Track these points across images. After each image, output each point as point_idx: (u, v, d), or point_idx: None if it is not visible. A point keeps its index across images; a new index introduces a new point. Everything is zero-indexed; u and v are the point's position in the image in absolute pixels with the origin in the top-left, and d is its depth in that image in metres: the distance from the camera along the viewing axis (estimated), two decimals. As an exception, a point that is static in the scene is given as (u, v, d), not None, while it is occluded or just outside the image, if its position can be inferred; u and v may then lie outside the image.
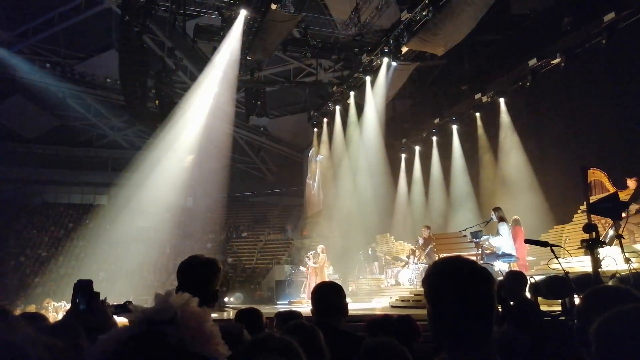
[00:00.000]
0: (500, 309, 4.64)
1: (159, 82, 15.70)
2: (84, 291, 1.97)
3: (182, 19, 14.51)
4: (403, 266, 12.77)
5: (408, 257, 12.82)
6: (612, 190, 7.40)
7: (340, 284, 2.79)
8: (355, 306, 10.93)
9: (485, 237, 8.66)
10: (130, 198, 26.16)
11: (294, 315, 3.14)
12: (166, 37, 19.64)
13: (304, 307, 10.69)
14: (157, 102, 15.79)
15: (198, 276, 2.24)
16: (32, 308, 11.51)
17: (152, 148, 25.71)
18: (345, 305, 2.56)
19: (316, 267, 12.65)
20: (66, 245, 23.05)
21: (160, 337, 0.85)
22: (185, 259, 2.37)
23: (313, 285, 12.29)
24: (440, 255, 9.46)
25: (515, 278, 4.33)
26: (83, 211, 26.25)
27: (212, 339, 0.89)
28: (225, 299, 14.64)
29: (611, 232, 6.65)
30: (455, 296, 1.20)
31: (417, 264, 11.80)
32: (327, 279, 12.09)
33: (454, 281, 1.22)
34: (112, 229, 24.93)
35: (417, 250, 12.23)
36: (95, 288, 2.02)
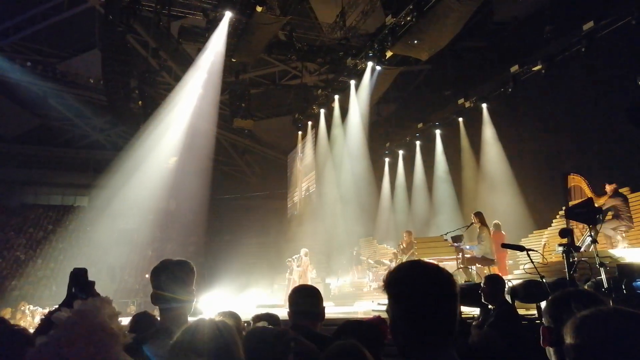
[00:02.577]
0: (479, 312, 4.70)
1: (143, 83, 15.58)
2: (79, 279, 1.96)
3: (167, 20, 14.42)
4: (385, 270, 12.80)
5: (391, 260, 12.86)
6: (590, 195, 7.52)
7: (322, 287, 2.79)
8: (337, 310, 10.93)
9: (469, 247, 8.73)
10: (112, 200, 25.83)
11: (269, 318, 3.12)
12: (150, 37, 19.50)
13: (284, 310, 10.64)
14: (140, 102, 15.64)
15: (173, 277, 2.23)
16: (7, 312, 11.27)
17: (134, 149, 25.44)
18: (321, 310, 2.55)
19: (300, 271, 12.61)
20: (45, 247, 22.65)
21: None
22: (160, 263, 2.36)
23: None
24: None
25: (494, 282, 4.38)
26: (63, 213, 25.84)
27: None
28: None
29: (589, 238, 6.76)
30: (417, 299, 1.20)
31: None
32: (309, 283, 12.08)
33: (418, 282, 1.23)
34: (93, 231, 24.59)
35: (398, 254, 12.27)
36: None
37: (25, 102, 24.21)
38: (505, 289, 4.55)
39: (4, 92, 23.51)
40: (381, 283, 1.33)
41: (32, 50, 22.92)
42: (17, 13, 21.02)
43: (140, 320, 3.66)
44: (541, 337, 1.41)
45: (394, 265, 12.25)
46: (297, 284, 12.39)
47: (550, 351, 1.36)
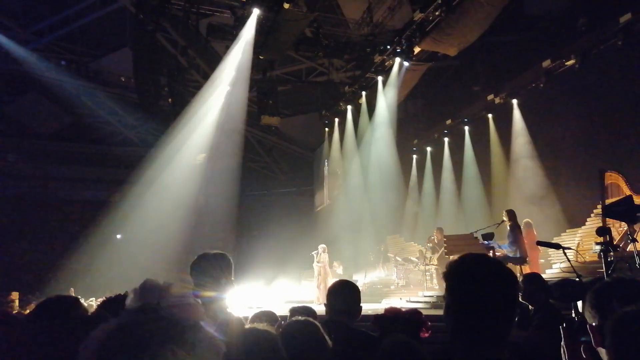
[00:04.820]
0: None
1: (172, 81, 15.82)
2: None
3: (195, 18, 14.60)
4: (414, 267, 12.74)
5: (418, 258, 12.78)
6: (629, 193, 7.28)
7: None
8: (365, 306, 10.92)
9: (502, 246, 8.59)
10: (143, 195, 26.36)
11: (306, 311, 3.14)
12: (179, 35, 19.77)
13: (315, 305, 10.70)
14: (170, 100, 15.90)
15: (212, 269, 2.27)
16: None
17: (164, 146, 25.91)
18: (359, 307, 2.57)
19: (319, 267, 12.60)
20: (79, 241, 23.31)
21: (153, 311, 1.03)
22: (198, 256, 2.42)
23: (317, 284, 12.33)
24: (451, 258, 9.41)
25: (532, 281, 4.25)
26: (96, 208, 26.52)
27: (193, 310, 1.06)
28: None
29: (628, 237, 6.56)
30: (480, 293, 1.19)
31: (427, 265, 11.75)
32: (329, 279, 12.11)
33: (480, 278, 1.22)
34: (125, 226, 25.19)
35: (426, 252, 12.18)
36: (109, 285, 2.08)
37: (59, 100, 24.92)
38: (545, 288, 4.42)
39: (39, 90, 24.26)
40: (444, 270, 1.31)
41: (65, 49, 23.56)
42: (52, 14, 21.64)
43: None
44: (591, 337, 1.35)
45: (421, 263, 12.17)
46: (318, 280, 12.43)
47: (602, 352, 1.30)
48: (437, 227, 12.54)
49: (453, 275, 1.26)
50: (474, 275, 1.22)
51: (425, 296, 10.21)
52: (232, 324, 2.03)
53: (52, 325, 1.64)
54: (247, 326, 1.97)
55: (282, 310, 3.99)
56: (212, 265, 2.27)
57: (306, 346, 1.81)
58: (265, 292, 14.59)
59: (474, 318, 1.19)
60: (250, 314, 3.16)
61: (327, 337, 1.87)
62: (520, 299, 3.97)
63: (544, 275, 7.56)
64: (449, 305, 1.25)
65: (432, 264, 11.62)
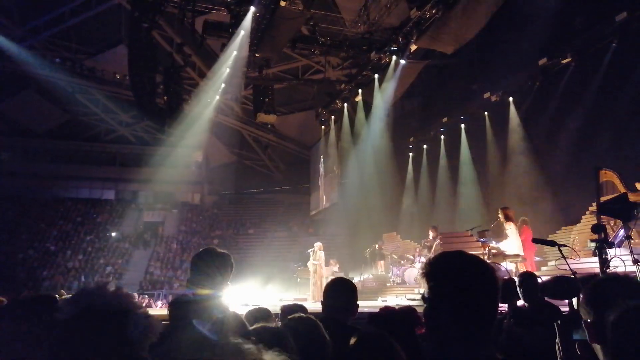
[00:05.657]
0: (507, 308, 4.61)
1: (168, 78, 15.73)
2: None
3: (191, 16, 14.53)
4: (410, 265, 12.75)
5: (414, 255, 12.79)
6: (624, 191, 7.29)
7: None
8: (361, 304, 10.92)
9: (496, 243, 8.62)
10: (138, 193, 26.26)
11: (298, 309, 3.13)
12: (175, 33, 19.72)
13: (308, 303, 10.70)
14: (165, 98, 15.82)
15: (213, 267, 2.26)
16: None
17: (160, 143, 25.84)
18: (355, 305, 2.56)
19: (316, 265, 12.58)
20: (74, 239, 23.24)
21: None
22: (200, 251, 2.41)
23: (314, 282, 12.32)
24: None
25: (526, 280, 4.25)
26: (91, 205, 26.46)
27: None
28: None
29: (621, 233, 6.58)
30: (460, 290, 1.18)
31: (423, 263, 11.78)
32: (324, 277, 12.10)
33: (458, 274, 1.21)
34: (120, 224, 25.13)
35: (423, 250, 12.20)
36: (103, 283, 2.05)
37: (54, 98, 24.83)
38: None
39: (34, 88, 24.14)
40: (421, 270, 1.30)
41: (61, 47, 23.46)
42: (47, 11, 21.52)
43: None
44: (586, 333, 1.34)
45: (417, 260, 12.19)
46: (313, 278, 12.42)
47: (597, 348, 1.29)
48: (432, 225, 12.56)
49: (434, 272, 1.26)
50: (458, 269, 1.22)
51: (421, 293, 10.22)
52: (229, 323, 2.00)
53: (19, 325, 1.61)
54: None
55: (276, 308, 3.97)
56: (207, 264, 2.26)
57: (309, 342, 1.81)
58: (260, 289, 14.56)
59: (455, 315, 1.18)
60: (245, 311, 3.15)
61: (326, 334, 1.86)
62: (520, 297, 3.98)
63: (539, 273, 7.60)
64: (430, 304, 1.24)
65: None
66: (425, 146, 17.85)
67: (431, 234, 11.91)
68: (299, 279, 15.34)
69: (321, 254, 12.67)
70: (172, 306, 2.10)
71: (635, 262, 4.20)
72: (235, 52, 14.42)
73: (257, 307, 3.21)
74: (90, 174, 28.10)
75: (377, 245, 14.84)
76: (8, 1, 20.43)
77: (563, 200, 11.93)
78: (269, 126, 25.41)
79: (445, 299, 1.20)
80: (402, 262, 13.23)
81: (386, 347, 1.58)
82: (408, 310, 2.35)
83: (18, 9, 21.09)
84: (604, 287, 1.42)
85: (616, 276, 1.62)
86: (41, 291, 16.65)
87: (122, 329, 1.15)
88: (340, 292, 2.52)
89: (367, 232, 16.13)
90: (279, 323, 2.54)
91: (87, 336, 1.12)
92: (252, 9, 13.07)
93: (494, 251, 8.59)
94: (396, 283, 12.90)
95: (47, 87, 23.51)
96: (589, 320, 1.36)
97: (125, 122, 28.52)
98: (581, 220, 10.00)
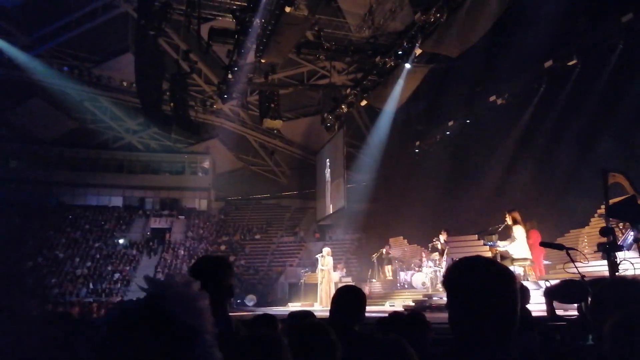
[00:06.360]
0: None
1: (174, 85, 15.83)
2: None
3: (197, 22, 14.62)
4: (417, 270, 12.71)
5: (421, 260, 12.75)
6: (633, 193, 7.23)
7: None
8: (368, 309, 10.89)
9: (502, 245, 8.57)
10: (145, 200, 26.32)
11: (307, 315, 3.13)
12: (181, 40, 19.85)
13: (315, 309, 10.69)
14: (172, 104, 15.91)
15: (211, 274, 2.26)
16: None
17: (166, 150, 25.99)
18: (363, 314, 2.57)
19: (324, 270, 12.55)
20: (82, 246, 23.36)
21: (155, 307, 0.94)
22: (196, 261, 2.42)
23: (322, 287, 12.30)
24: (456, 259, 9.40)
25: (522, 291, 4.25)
26: (99, 213, 26.59)
27: (202, 314, 0.96)
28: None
29: (631, 235, 6.53)
30: (480, 295, 1.18)
31: (431, 267, 11.73)
32: (333, 282, 12.08)
33: (478, 280, 1.21)
34: (127, 231, 25.25)
35: (431, 254, 12.16)
36: (111, 289, 2.05)
37: (62, 105, 25.06)
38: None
39: (42, 96, 24.38)
40: (442, 279, 1.31)
41: (68, 55, 23.68)
42: (54, 20, 21.75)
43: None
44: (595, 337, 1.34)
45: (424, 265, 12.14)
46: (321, 283, 12.40)
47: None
48: (443, 229, 12.51)
49: (453, 279, 1.26)
50: (471, 278, 1.22)
51: (428, 297, 10.17)
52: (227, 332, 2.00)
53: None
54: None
55: (283, 314, 3.98)
56: (206, 269, 2.25)
57: (319, 345, 1.82)
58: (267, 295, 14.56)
59: (476, 319, 1.18)
60: (251, 317, 3.15)
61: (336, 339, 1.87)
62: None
63: (547, 276, 7.54)
64: (452, 309, 1.24)
65: (439, 267, 11.57)
66: (431, 149, 17.81)
67: (442, 237, 11.87)
68: (303, 284, 15.33)
69: (330, 259, 12.67)
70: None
71: (645, 264, 4.16)
72: (241, 58, 14.47)
73: (263, 313, 3.21)
74: (97, 181, 28.26)
75: (384, 250, 14.81)
76: (15, 11, 20.67)
77: (571, 204, 11.84)
78: (275, 132, 25.52)
79: (462, 305, 1.20)
80: (409, 266, 13.20)
81: (402, 352, 1.58)
82: (415, 314, 2.35)
83: (25, 18, 21.33)
84: (611, 291, 1.42)
85: (623, 279, 1.61)
86: (50, 299, 16.73)
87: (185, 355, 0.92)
88: (350, 301, 2.53)
89: (373, 237, 16.09)
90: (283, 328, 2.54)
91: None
92: (258, 15, 13.14)
93: (501, 253, 8.55)
94: (403, 287, 12.87)
95: (55, 95, 23.75)
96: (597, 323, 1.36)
97: (132, 129, 28.71)
98: (590, 223, 9.93)
